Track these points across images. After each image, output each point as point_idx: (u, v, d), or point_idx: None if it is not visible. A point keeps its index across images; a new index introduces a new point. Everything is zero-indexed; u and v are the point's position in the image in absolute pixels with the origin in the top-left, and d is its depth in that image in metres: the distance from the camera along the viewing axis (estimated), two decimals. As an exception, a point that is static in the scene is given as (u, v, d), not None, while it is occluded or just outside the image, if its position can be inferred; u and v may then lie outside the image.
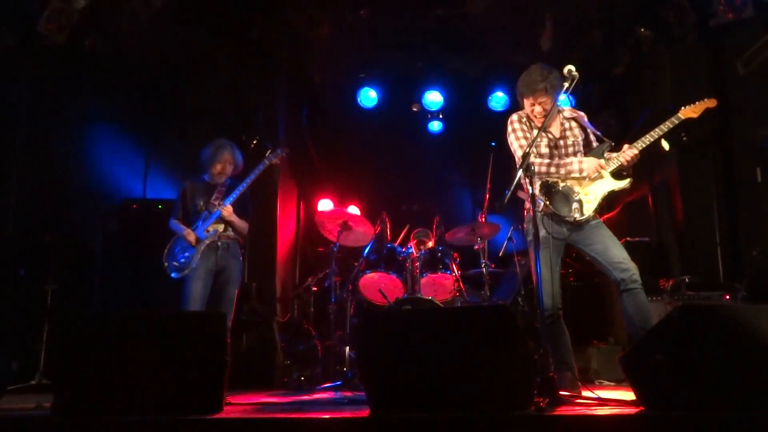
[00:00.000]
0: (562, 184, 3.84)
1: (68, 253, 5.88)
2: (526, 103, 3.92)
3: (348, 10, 6.58)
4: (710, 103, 3.99)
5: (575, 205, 3.78)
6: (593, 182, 3.83)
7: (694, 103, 3.99)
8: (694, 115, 3.96)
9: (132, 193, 6.69)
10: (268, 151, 4.98)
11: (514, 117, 4.02)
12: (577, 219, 3.76)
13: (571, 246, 3.93)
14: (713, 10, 5.75)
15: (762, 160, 5.50)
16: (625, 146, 3.85)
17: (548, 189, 3.82)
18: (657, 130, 3.83)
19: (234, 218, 4.70)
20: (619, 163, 3.81)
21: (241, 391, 4.47)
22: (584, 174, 3.83)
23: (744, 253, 5.78)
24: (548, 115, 3.73)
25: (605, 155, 3.88)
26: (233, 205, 4.69)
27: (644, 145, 3.82)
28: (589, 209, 3.79)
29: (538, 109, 3.86)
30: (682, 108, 3.96)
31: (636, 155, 3.80)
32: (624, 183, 3.84)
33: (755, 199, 5.67)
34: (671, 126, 3.86)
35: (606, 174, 3.84)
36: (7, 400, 3.46)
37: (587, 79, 6.91)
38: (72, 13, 5.66)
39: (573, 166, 3.84)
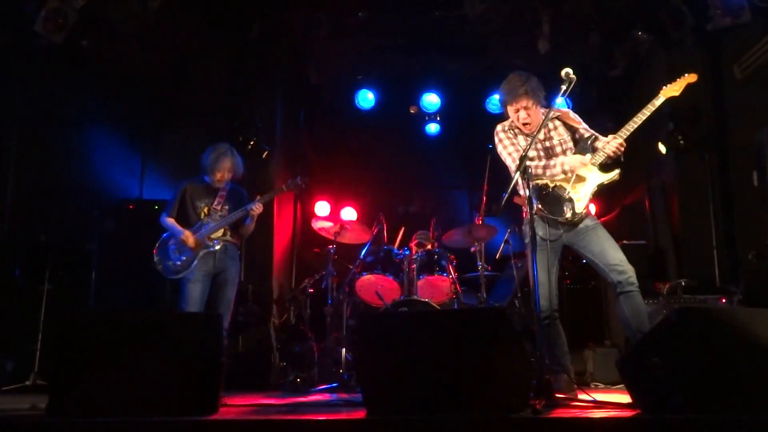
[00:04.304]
0: (552, 185, 3.83)
1: (64, 253, 5.87)
2: (510, 110, 3.93)
3: (346, 12, 6.58)
4: (690, 78, 3.90)
5: (567, 204, 3.77)
6: (582, 179, 3.79)
7: (674, 81, 3.90)
8: (676, 93, 3.88)
9: (128, 193, 6.67)
10: (289, 179, 5.08)
11: (499, 128, 4.04)
12: (569, 218, 3.75)
13: (569, 248, 3.92)
14: (710, 14, 5.77)
15: (758, 163, 5.51)
16: (610, 136, 3.77)
17: (539, 191, 3.80)
18: (640, 114, 3.74)
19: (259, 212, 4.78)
20: (606, 155, 3.73)
21: (237, 393, 4.46)
22: (569, 174, 3.82)
23: (740, 256, 5.79)
24: (542, 124, 3.72)
25: (591, 148, 3.84)
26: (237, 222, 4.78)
27: (628, 133, 3.73)
28: (580, 206, 3.76)
29: (523, 114, 3.87)
30: (663, 87, 3.87)
31: (621, 144, 3.71)
32: (613, 174, 3.76)
33: (751, 203, 5.68)
34: (653, 108, 3.76)
35: (594, 168, 3.77)
36: (2, 401, 3.45)
37: (584, 81, 6.92)
38: (69, 12, 5.65)
39: (556, 169, 3.83)
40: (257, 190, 5.06)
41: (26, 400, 3.57)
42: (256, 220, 4.88)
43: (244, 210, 4.73)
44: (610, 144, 3.72)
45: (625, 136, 3.73)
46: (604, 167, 3.78)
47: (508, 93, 3.90)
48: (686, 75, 3.91)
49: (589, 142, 3.85)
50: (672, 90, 3.88)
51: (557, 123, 3.99)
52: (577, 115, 4.01)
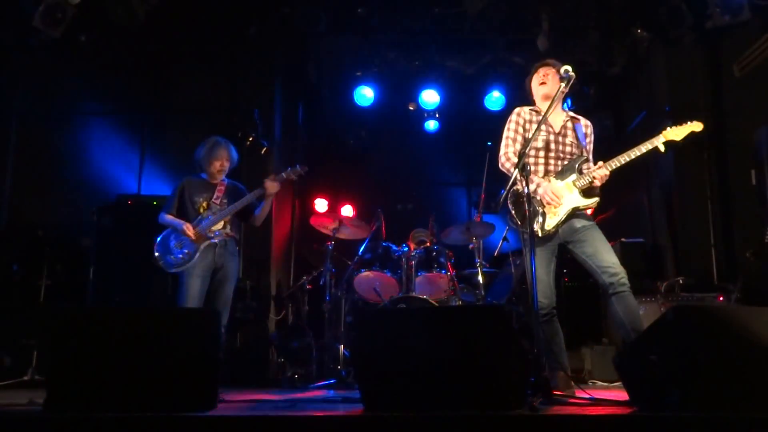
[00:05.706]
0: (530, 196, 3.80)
1: (62, 248, 5.87)
2: (535, 79, 4.01)
3: (345, 8, 6.58)
4: (695, 126, 3.83)
5: (538, 218, 3.76)
6: (561, 198, 3.77)
7: (679, 124, 3.85)
8: (677, 139, 3.81)
9: (127, 189, 6.67)
10: (288, 168, 4.97)
11: (516, 109, 4.06)
12: (537, 233, 3.73)
13: (564, 246, 3.92)
14: (710, 12, 5.77)
15: (756, 162, 5.52)
16: (600, 163, 3.78)
17: (516, 198, 3.80)
18: (635, 149, 3.71)
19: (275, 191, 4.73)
20: (590, 180, 3.73)
21: (234, 389, 4.46)
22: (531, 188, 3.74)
23: (738, 255, 5.80)
24: (553, 100, 3.71)
25: (578, 168, 3.82)
26: (239, 212, 4.72)
27: (619, 164, 3.71)
28: (551, 224, 3.74)
29: (542, 74, 3.94)
30: (666, 129, 3.82)
31: (607, 175, 3.72)
32: (590, 202, 3.76)
33: (750, 201, 5.68)
34: (651, 147, 3.74)
35: (575, 190, 3.77)
36: (-1, 396, 3.45)
37: (584, 79, 6.92)
38: (68, 7, 5.64)
39: (533, 184, 3.78)
40: (255, 185, 5.05)
41: (24, 396, 3.56)
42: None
43: (255, 193, 4.67)
44: (598, 171, 3.72)
45: (612, 168, 3.72)
46: (585, 192, 3.77)
47: (535, 67, 4.03)
48: (691, 123, 3.82)
49: (579, 162, 3.85)
50: (674, 134, 3.80)
51: (573, 125, 3.96)
52: (593, 137, 4.02)
